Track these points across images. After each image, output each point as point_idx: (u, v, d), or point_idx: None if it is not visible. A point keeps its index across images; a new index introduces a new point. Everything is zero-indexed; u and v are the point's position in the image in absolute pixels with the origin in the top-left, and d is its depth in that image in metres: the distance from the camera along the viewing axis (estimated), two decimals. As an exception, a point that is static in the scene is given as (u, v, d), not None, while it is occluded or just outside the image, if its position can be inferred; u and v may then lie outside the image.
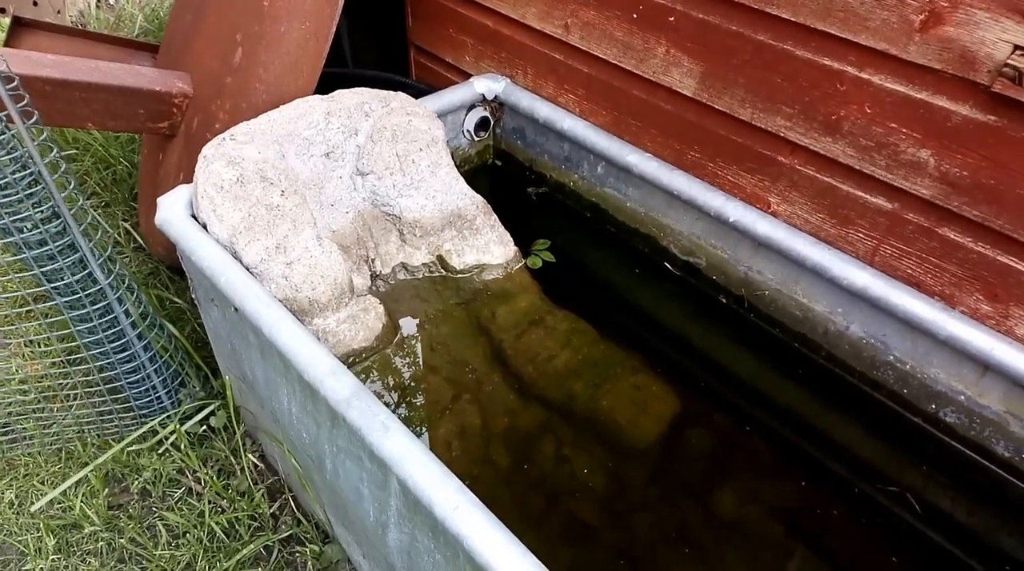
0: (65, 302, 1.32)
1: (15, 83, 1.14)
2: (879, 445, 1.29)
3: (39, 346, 1.73)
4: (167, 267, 2.00)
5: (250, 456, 1.58)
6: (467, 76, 1.86)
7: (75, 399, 1.61)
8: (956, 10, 0.99)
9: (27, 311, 1.62)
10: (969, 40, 0.99)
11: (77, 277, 1.30)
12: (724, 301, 1.45)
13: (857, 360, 1.28)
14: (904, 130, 1.11)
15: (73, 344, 1.42)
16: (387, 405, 1.33)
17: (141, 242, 2.10)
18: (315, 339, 1.07)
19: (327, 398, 1.01)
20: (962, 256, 1.12)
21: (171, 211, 1.29)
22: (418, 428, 1.30)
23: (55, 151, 1.22)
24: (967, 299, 1.14)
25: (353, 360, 1.34)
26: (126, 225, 2.17)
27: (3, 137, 1.15)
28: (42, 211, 1.22)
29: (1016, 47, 0.96)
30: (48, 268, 1.27)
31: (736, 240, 1.36)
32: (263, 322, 1.10)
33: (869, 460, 1.29)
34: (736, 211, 1.33)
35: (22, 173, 1.19)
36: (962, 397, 1.17)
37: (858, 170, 1.19)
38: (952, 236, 1.12)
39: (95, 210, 2.18)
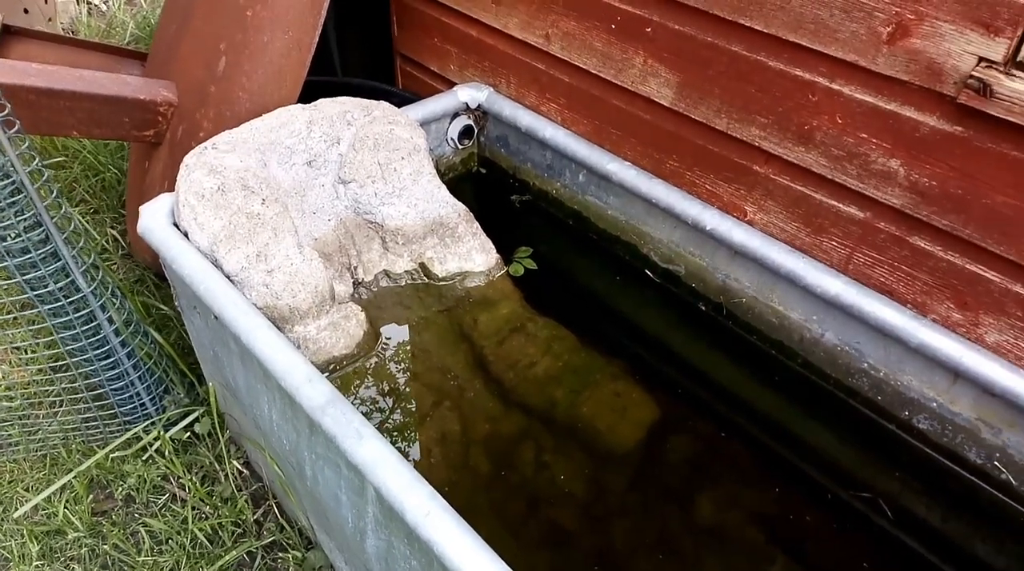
0: (48, 309, 1.33)
1: (-3, 94, 1.15)
2: (854, 451, 1.30)
3: (25, 353, 1.73)
4: (153, 274, 2.01)
5: (234, 462, 1.59)
6: (452, 85, 1.88)
7: (60, 405, 1.62)
8: (922, 22, 1.01)
9: (13, 318, 1.63)
10: (935, 52, 1.01)
11: (60, 285, 1.31)
12: (703, 308, 1.46)
13: (832, 367, 1.29)
14: (874, 140, 1.12)
15: (58, 351, 1.43)
16: (367, 412, 1.35)
17: (128, 249, 2.11)
18: (292, 346, 1.08)
19: (303, 405, 1.02)
20: (932, 264, 1.14)
21: (153, 219, 1.30)
22: (398, 435, 1.31)
23: (37, 160, 1.23)
24: (938, 307, 1.16)
25: (334, 367, 1.35)
26: (114, 232, 2.18)
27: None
28: (25, 219, 1.23)
29: (980, 59, 0.97)
30: (31, 276, 1.28)
31: (713, 248, 1.38)
32: (241, 330, 1.11)
33: (845, 466, 1.30)
34: (713, 219, 1.35)
35: (3, 182, 1.20)
36: (934, 404, 1.18)
37: (831, 179, 1.20)
38: (923, 245, 1.14)
39: (83, 217, 2.20)
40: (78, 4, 3.54)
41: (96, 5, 3.56)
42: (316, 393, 1.01)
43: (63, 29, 3.36)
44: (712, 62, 1.27)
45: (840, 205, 1.21)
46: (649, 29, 1.35)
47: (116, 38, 3.15)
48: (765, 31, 1.18)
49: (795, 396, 1.37)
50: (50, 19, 3.24)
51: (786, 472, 1.33)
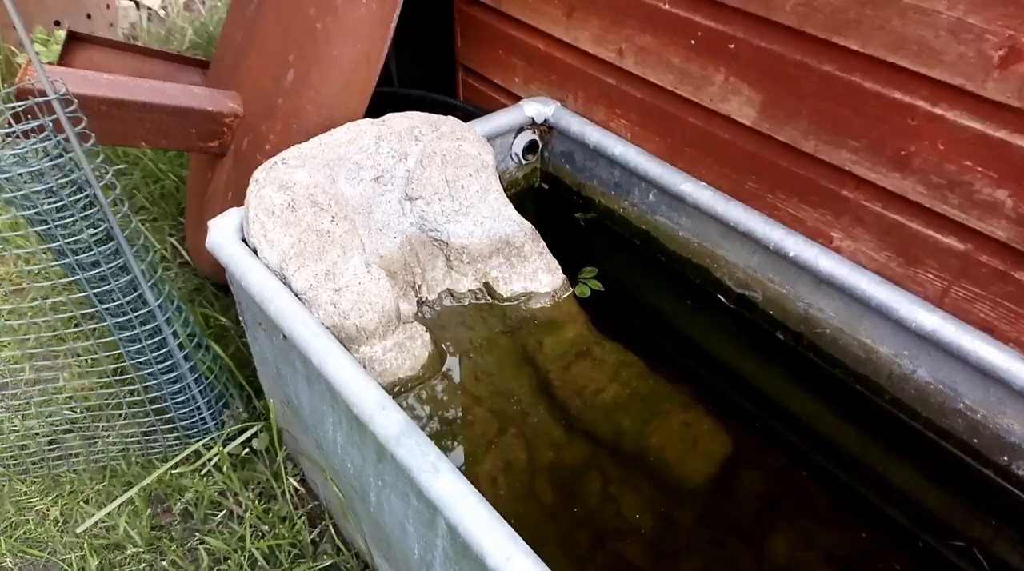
0: (116, 323, 1.32)
1: (74, 106, 1.15)
2: (945, 495, 1.23)
3: (86, 363, 1.74)
4: (212, 284, 2.01)
5: (291, 480, 1.57)
6: (515, 97, 1.84)
7: (120, 416, 1.62)
8: (1043, 46, 0.94)
9: (75, 326, 1.63)
10: (1056, 78, 0.94)
11: (128, 298, 1.30)
12: (781, 337, 1.40)
13: (924, 406, 1.22)
14: (980, 169, 1.06)
15: (120, 362, 1.43)
16: (432, 436, 1.31)
17: (187, 258, 2.12)
18: (365, 372, 1.05)
19: (376, 434, 0.99)
20: (1041, 302, 1.07)
21: (222, 234, 1.28)
22: (464, 462, 1.28)
23: (110, 173, 1.22)
24: (1045, 347, 1.09)
25: (399, 390, 1.32)
26: (172, 240, 2.19)
27: (61, 160, 1.15)
28: (96, 233, 1.23)
29: (1109, 86, 0.91)
30: (100, 289, 1.28)
31: (796, 275, 1.32)
32: (312, 352, 1.09)
33: (934, 511, 1.23)
34: (797, 246, 1.29)
35: (78, 195, 1.19)
36: (1038, 450, 1.11)
37: (928, 208, 1.14)
38: (1031, 281, 1.07)
39: (143, 225, 2.21)
40: (138, 9, 3.60)
41: (155, 11, 3.62)
42: (390, 422, 0.98)
43: (123, 34, 3.42)
44: (801, 81, 1.22)
45: (938, 235, 1.15)
46: (732, 46, 1.29)
47: (175, 44, 3.19)
48: (861, 51, 1.12)
49: (880, 434, 1.30)
50: (111, 24, 3.29)
51: (867, 513, 1.26)
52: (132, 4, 3.59)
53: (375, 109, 1.51)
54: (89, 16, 3.12)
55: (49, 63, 2.42)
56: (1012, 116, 1.00)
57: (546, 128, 1.71)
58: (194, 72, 2.34)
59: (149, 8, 3.58)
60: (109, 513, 1.48)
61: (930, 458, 1.25)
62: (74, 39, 2.29)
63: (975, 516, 1.19)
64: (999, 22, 0.96)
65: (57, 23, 3.03)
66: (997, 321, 1.12)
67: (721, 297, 1.48)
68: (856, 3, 1.09)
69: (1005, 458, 1.15)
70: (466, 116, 1.66)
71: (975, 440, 1.18)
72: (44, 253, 1.52)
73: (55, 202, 1.17)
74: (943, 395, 1.19)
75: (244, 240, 1.30)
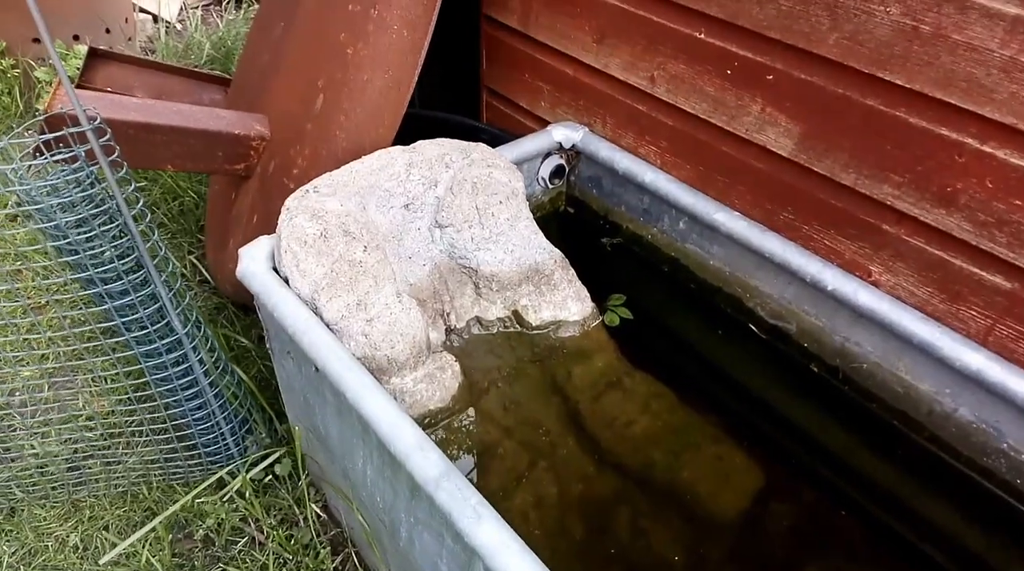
0: (143, 352, 1.31)
1: (108, 136, 1.13)
2: (985, 536, 1.21)
3: (106, 382, 1.72)
4: (232, 304, 1.99)
5: (314, 506, 1.55)
6: (541, 121, 1.83)
7: (141, 439, 1.60)
8: (1099, 87, 0.92)
9: (95, 345, 1.62)
10: (1113, 119, 0.93)
11: (156, 326, 1.29)
12: (815, 370, 1.38)
13: (965, 445, 1.20)
14: (1030, 208, 1.04)
15: (140, 379, 1.41)
16: (464, 471, 1.29)
17: (207, 276, 2.11)
18: (400, 409, 1.03)
19: (413, 475, 0.97)
20: (1091, 344, 1.05)
21: (253, 263, 1.27)
22: (496, 497, 1.25)
23: (140, 203, 1.21)
24: (1094, 389, 1.06)
25: (429, 421, 1.30)
26: (192, 258, 2.17)
27: (93, 190, 1.14)
28: (125, 262, 1.21)
29: None
30: (128, 317, 1.26)
31: (833, 309, 1.30)
32: (347, 388, 1.07)
33: (973, 551, 1.20)
34: (835, 279, 1.27)
35: (108, 226, 1.18)
36: (1085, 493, 1.09)
37: (974, 246, 1.12)
38: (1080, 322, 1.05)
39: (162, 238, 2.20)
40: (156, 23, 3.60)
41: (173, 25, 3.62)
42: (429, 464, 0.96)
43: (141, 47, 3.42)
44: (842, 115, 1.20)
45: (984, 273, 1.12)
46: (771, 77, 1.28)
47: (193, 58, 3.19)
48: (907, 86, 1.10)
49: (918, 471, 1.27)
50: (130, 38, 3.30)
51: (904, 552, 1.24)
52: (150, 17, 3.60)
53: (400, 129, 1.50)
54: (108, 31, 3.13)
55: (69, 78, 2.42)
56: (1065, 156, 0.98)
57: (574, 153, 1.69)
58: (214, 89, 2.33)
59: (167, 22, 3.58)
60: (131, 544, 1.46)
61: (971, 497, 1.22)
62: (95, 56, 2.29)
63: (1017, 558, 1.17)
64: (1055, 62, 0.94)
65: (76, 37, 3.03)
66: (1044, 362, 1.10)
67: (753, 327, 1.46)
68: (903, 39, 1.07)
69: (1051, 501, 1.13)
70: (492, 140, 1.64)
71: (1019, 480, 1.16)
72: (63, 269, 1.51)
73: (85, 232, 1.15)
74: (986, 434, 1.17)
75: (275, 269, 1.28)
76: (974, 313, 1.16)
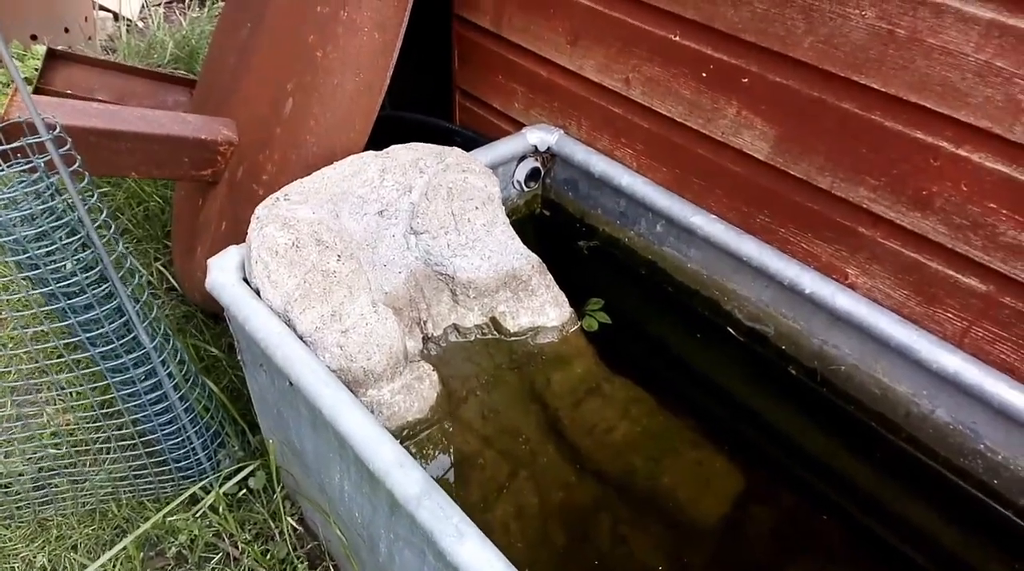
0: (109, 367, 1.27)
1: (68, 146, 1.09)
2: (963, 536, 1.22)
3: (71, 398, 1.67)
4: (202, 312, 1.94)
5: (290, 519, 1.52)
6: (515, 123, 1.81)
7: (108, 453, 1.56)
8: (1072, 92, 0.93)
9: (59, 358, 1.57)
10: (1086, 124, 0.93)
11: (122, 341, 1.25)
12: (793, 372, 1.38)
13: (942, 446, 1.21)
14: (1004, 211, 1.04)
15: (107, 394, 1.36)
16: (444, 483, 1.27)
17: (174, 283, 2.05)
18: (379, 424, 1.01)
19: (393, 492, 0.95)
20: (1065, 345, 1.06)
21: (223, 274, 1.23)
22: (477, 509, 1.24)
23: (104, 213, 1.17)
24: (1068, 390, 1.07)
25: (407, 433, 1.28)
26: (158, 265, 2.12)
27: (53, 203, 1.10)
28: (89, 276, 1.17)
29: None
30: (93, 333, 1.22)
31: (810, 312, 1.30)
32: (323, 403, 1.04)
33: (951, 551, 1.21)
34: (813, 283, 1.27)
35: (70, 238, 1.13)
36: (1060, 493, 1.10)
37: (950, 248, 1.12)
38: (1055, 324, 1.06)
39: (128, 249, 2.14)
40: (117, 21, 3.51)
41: (135, 23, 3.53)
42: (409, 481, 0.94)
43: (102, 46, 3.33)
44: (818, 118, 1.20)
45: (959, 276, 1.13)
46: (746, 80, 1.27)
47: (156, 57, 3.11)
48: (882, 90, 1.10)
49: (896, 472, 1.28)
50: (90, 38, 3.21)
51: (883, 553, 1.24)
52: (110, 15, 3.50)
53: (371, 132, 1.47)
54: (67, 30, 3.04)
55: (26, 79, 2.35)
56: (1039, 160, 0.99)
57: (549, 156, 1.68)
58: (179, 91, 2.28)
59: (128, 20, 3.49)
60: (102, 564, 1.42)
61: (948, 498, 1.23)
62: (54, 57, 2.22)
63: (994, 558, 1.18)
64: (1030, 67, 0.94)
65: (34, 37, 2.94)
66: (1019, 363, 1.11)
67: (731, 330, 1.46)
68: (878, 42, 1.07)
69: (1027, 500, 1.14)
70: (466, 143, 1.62)
71: (995, 481, 1.17)
72: (23, 284, 1.46)
73: (46, 245, 1.11)
74: (962, 435, 1.18)
75: (245, 280, 1.25)
76: (950, 315, 1.16)
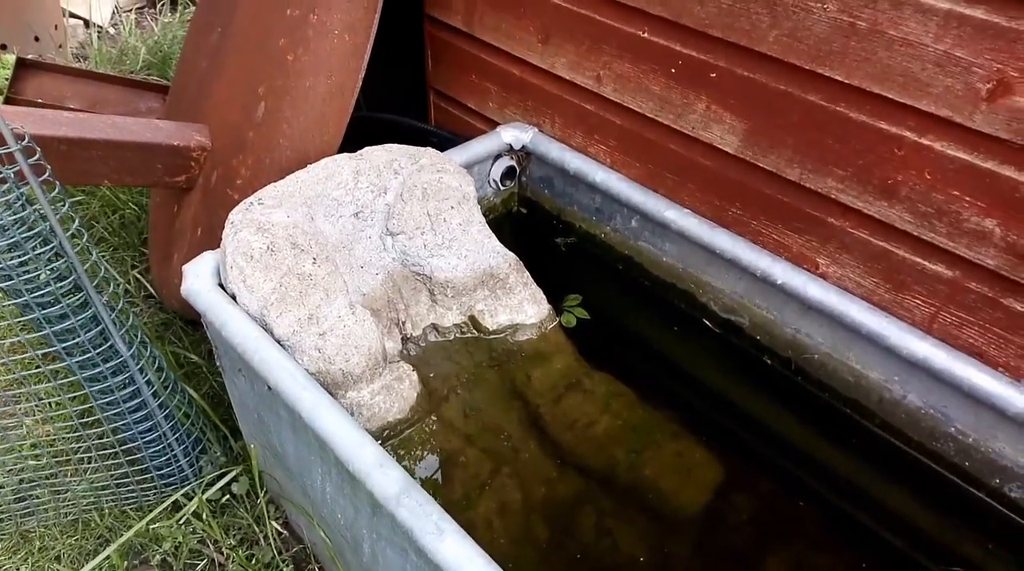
0: (86, 376, 1.26)
1: (38, 156, 1.09)
2: (938, 518, 1.24)
3: (50, 408, 1.66)
4: (180, 319, 1.94)
5: (274, 523, 1.52)
6: (489, 122, 1.82)
7: (89, 463, 1.55)
8: (1028, 80, 0.95)
9: (36, 369, 1.56)
10: (1042, 111, 0.95)
11: (99, 350, 1.24)
12: (769, 361, 1.40)
13: (915, 430, 1.23)
14: (967, 198, 1.06)
15: (86, 406, 1.36)
16: (427, 483, 1.28)
17: (152, 291, 2.04)
18: (359, 427, 1.01)
19: (374, 493, 0.96)
20: (1029, 328, 1.08)
21: (197, 281, 1.23)
22: (460, 507, 1.25)
23: (76, 222, 1.16)
24: (1034, 371, 1.10)
25: (388, 434, 1.29)
26: (135, 273, 2.11)
27: (24, 213, 1.09)
28: (62, 285, 1.17)
29: (1094, 120, 0.92)
30: (69, 342, 1.21)
31: (783, 302, 1.32)
32: (302, 406, 1.05)
33: (928, 533, 1.24)
34: (784, 273, 1.29)
35: (42, 248, 1.13)
36: (1029, 472, 1.12)
37: (916, 236, 1.14)
38: (1019, 308, 1.08)
39: (103, 257, 2.13)
40: (87, 28, 3.48)
41: (106, 30, 3.50)
42: (389, 481, 0.94)
43: (73, 53, 3.30)
44: (785, 111, 1.21)
45: (926, 262, 1.15)
46: (714, 75, 1.29)
47: (128, 64, 3.09)
48: (846, 82, 1.12)
49: (871, 457, 1.30)
50: (60, 46, 3.18)
51: (861, 536, 1.26)
52: (81, 23, 3.47)
53: (346, 133, 1.47)
54: (37, 38, 3.01)
55: (-2, 91, 2.32)
56: (1000, 147, 1.01)
57: (524, 154, 1.69)
58: (152, 97, 2.27)
59: (99, 26, 3.46)
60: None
61: (922, 481, 1.25)
62: (24, 66, 2.20)
63: (968, 538, 1.20)
64: (987, 56, 0.96)
65: (3, 46, 2.91)
66: (986, 346, 1.13)
67: (707, 322, 1.48)
68: (841, 35, 1.09)
69: (997, 480, 1.16)
70: (441, 142, 1.63)
71: (967, 463, 1.19)
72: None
73: (18, 256, 1.11)
74: (934, 419, 1.20)
75: (221, 285, 1.25)
76: (918, 302, 1.19)
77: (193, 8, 3.48)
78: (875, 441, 1.29)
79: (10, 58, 2.72)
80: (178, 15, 3.51)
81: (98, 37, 3.34)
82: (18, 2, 2.93)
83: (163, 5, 3.70)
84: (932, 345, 1.15)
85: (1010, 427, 1.11)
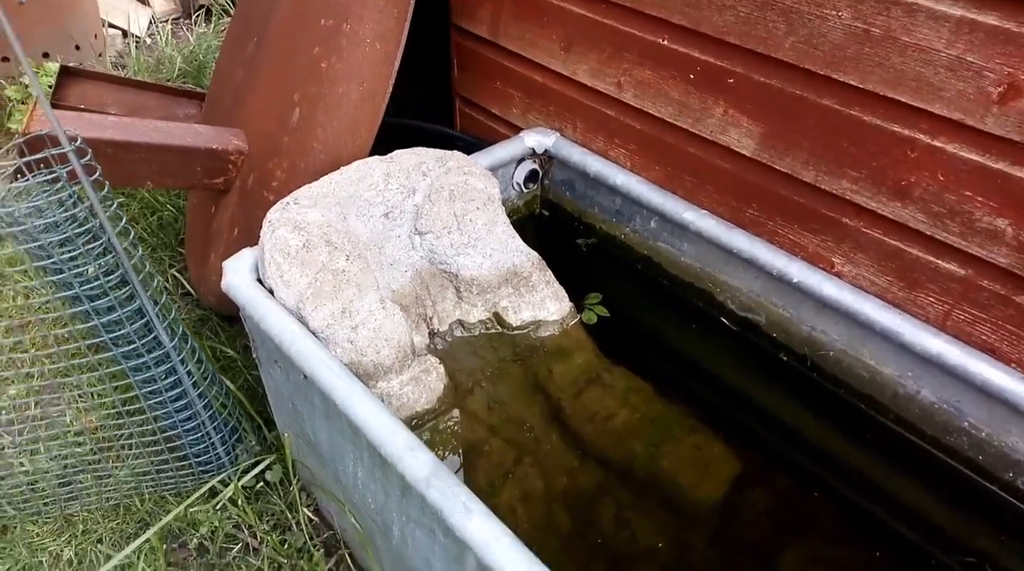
0: (131, 366, 1.33)
1: (89, 156, 1.16)
2: (953, 512, 1.27)
3: (93, 398, 1.74)
4: (216, 315, 2.01)
5: (305, 510, 1.58)
6: (513, 127, 1.87)
7: (130, 450, 1.62)
8: (1036, 83, 0.98)
9: (84, 359, 1.63)
10: (1050, 113, 0.99)
11: (143, 341, 1.31)
12: (785, 358, 1.44)
13: (929, 425, 1.26)
14: (980, 198, 1.10)
15: (129, 395, 1.43)
16: (453, 470, 1.33)
17: (189, 289, 2.12)
18: (390, 413, 1.07)
19: (404, 475, 1.01)
20: (1040, 325, 1.11)
21: (237, 276, 1.29)
22: (485, 493, 1.30)
23: (124, 220, 1.23)
24: (1045, 367, 1.13)
25: (416, 423, 1.34)
26: (173, 271, 2.19)
27: (76, 210, 1.17)
28: (110, 279, 1.24)
29: (1100, 122, 0.95)
30: (115, 333, 1.28)
31: (799, 300, 1.35)
32: (336, 394, 1.10)
33: (942, 526, 1.26)
34: (800, 272, 1.32)
35: (92, 244, 1.20)
36: (1041, 466, 1.15)
37: (929, 235, 1.17)
38: (1030, 305, 1.11)
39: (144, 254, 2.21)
40: (125, 38, 3.60)
41: (143, 40, 3.61)
42: (419, 464, 1.00)
43: (111, 63, 3.41)
44: (800, 115, 1.25)
45: (939, 261, 1.19)
46: (731, 80, 1.33)
47: (165, 72, 3.19)
48: (860, 86, 1.16)
49: (886, 452, 1.33)
50: (100, 54, 3.29)
51: (876, 530, 1.29)
52: (119, 33, 3.59)
53: (376, 137, 1.53)
54: (78, 47, 3.12)
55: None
56: (1012, 149, 1.04)
57: (546, 158, 1.74)
58: (189, 104, 2.35)
59: (137, 36, 3.58)
60: (127, 555, 1.48)
61: (936, 475, 1.28)
62: (67, 74, 2.30)
63: (983, 531, 1.23)
64: (998, 60, 1.00)
65: (46, 55, 3.02)
66: (998, 343, 1.16)
67: (724, 320, 1.52)
68: (855, 41, 1.13)
69: (1011, 474, 1.19)
70: (466, 147, 1.68)
71: (980, 457, 1.22)
72: (48, 288, 1.52)
73: (69, 251, 1.18)
74: (948, 414, 1.23)
75: (259, 280, 1.31)
76: (932, 299, 1.22)
77: (227, 19, 3.58)
78: (890, 436, 1.32)
79: (53, 66, 2.84)
80: (212, 26, 3.62)
81: (136, 47, 3.46)
82: (59, 12, 3.04)
83: (198, 16, 3.82)
84: (945, 341, 1.18)
85: (1023, 421, 1.13)
